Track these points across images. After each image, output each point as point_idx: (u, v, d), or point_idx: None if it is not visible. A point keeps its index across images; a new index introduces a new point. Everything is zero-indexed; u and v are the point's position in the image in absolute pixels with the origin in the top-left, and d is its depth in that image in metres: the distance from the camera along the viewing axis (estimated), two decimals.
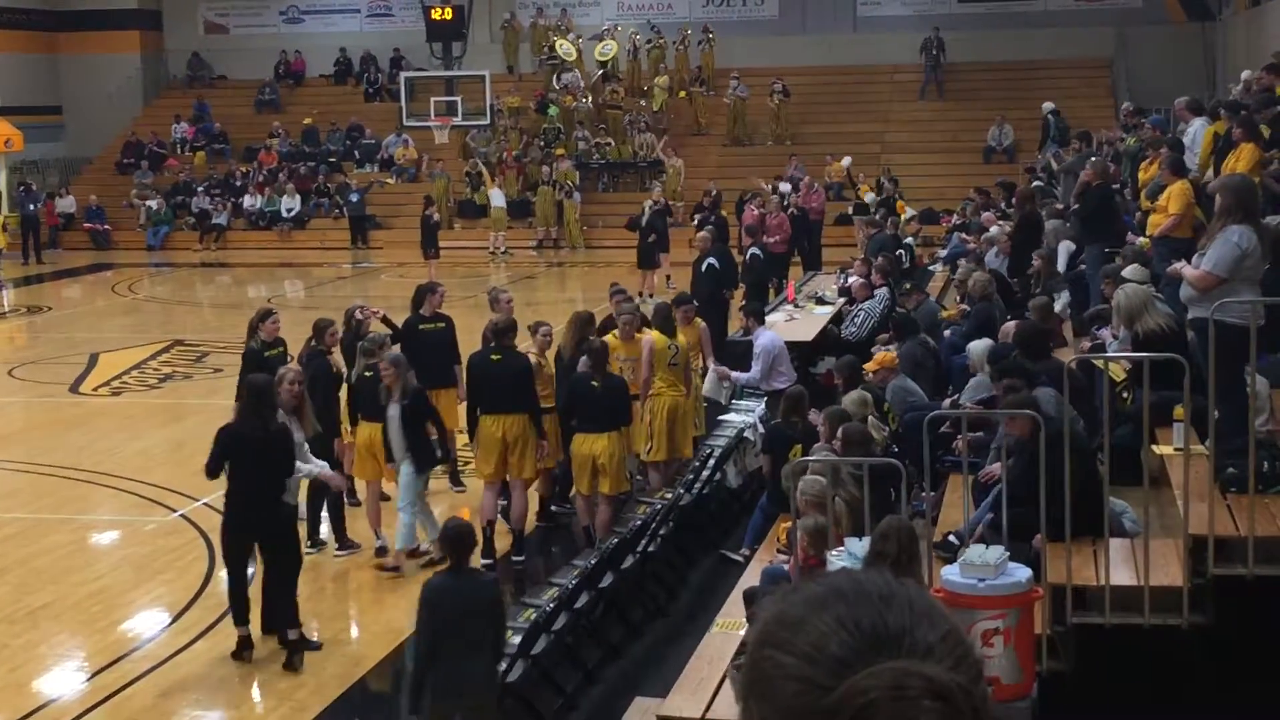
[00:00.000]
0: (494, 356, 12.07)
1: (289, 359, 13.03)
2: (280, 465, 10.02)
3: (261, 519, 9.97)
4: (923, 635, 1.46)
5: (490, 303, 13.82)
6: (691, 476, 12.39)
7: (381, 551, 12.22)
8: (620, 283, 16.68)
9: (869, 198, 29.94)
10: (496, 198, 35.25)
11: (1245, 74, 18.46)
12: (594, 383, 11.86)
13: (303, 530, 11.51)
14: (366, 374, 12.03)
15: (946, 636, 1.48)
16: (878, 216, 26.01)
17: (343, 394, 12.72)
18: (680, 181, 34.48)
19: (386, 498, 12.55)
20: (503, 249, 34.81)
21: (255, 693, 9.90)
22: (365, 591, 11.91)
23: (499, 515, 12.39)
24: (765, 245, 22.93)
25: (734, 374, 14.40)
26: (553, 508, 13.23)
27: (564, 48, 39.67)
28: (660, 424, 12.89)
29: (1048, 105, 31.42)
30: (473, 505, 12.85)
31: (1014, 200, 21.02)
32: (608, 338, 12.87)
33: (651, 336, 12.99)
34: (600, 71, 39.24)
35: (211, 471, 10.08)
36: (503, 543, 12.32)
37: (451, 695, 7.74)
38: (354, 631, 11.12)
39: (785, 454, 10.89)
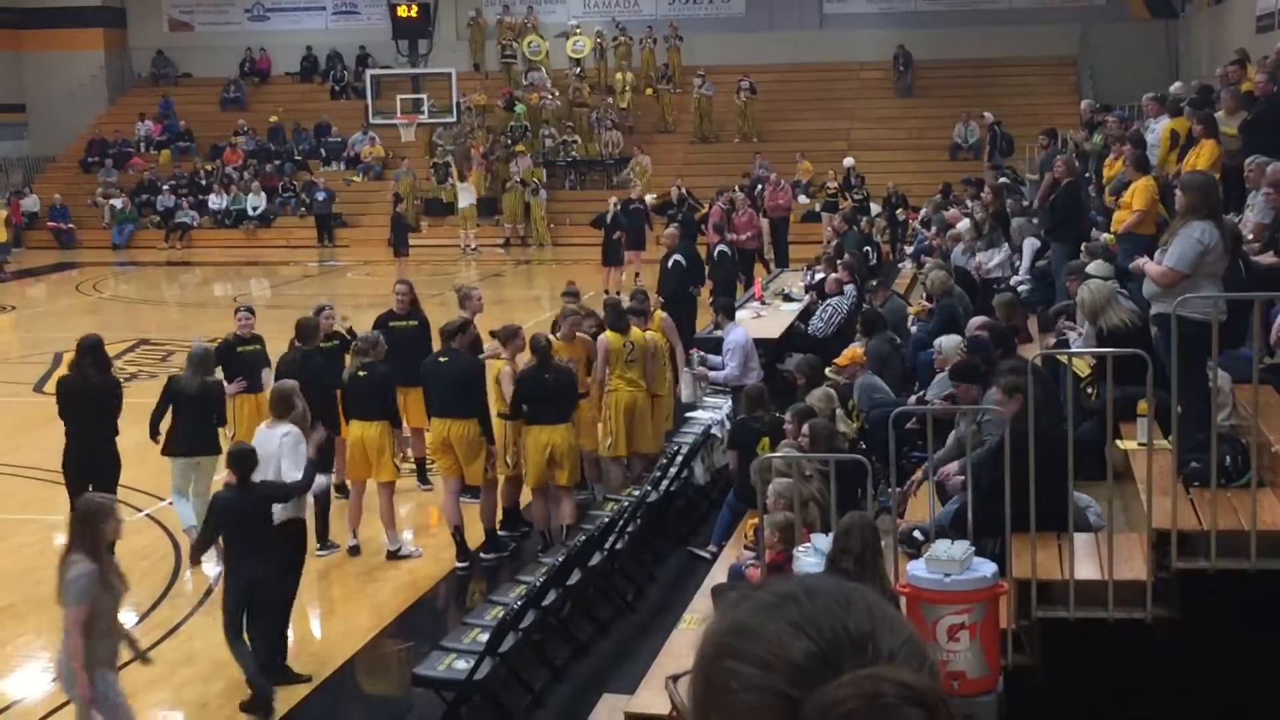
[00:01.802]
0: (441, 359, 12.05)
1: (267, 357, 13.06)
2: (103, 413, 11.63)
3: (92, 459, 11.53)
4: (885, 640, 1.41)
5: (460, 300, 13.80)
6: (659, 474, 12.41)
7: (354, 551, 12.23)
8: (575, 283, 16.39)
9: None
10: (465, 195, 35.18)
11: (1174, 87, 18.45)
12: (546, 375, 11.91)
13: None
14: (360, 374, 12.01)
15: (907, 640, 1.43)
16: (846, 213, 26.09)
17: None
18: (648, 178, 34.50)
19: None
20: (473, 246, 34.76)
21: (221, 692, 9.86)
22: (335, 592, 11.88)
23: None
24: (734, 242, 22.99)
25: (711, 373, 14.38)
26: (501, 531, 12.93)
27: (533, 45, 39.64)
28: (618, 420, 12.96)
29: (988, 116, 32.13)
30: (440, 504, 12.82)
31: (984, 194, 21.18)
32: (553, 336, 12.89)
33: (606, 336, 13.05)
34: (577, 69, 39.18)
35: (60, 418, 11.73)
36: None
37: (242, 584, 9.18)
38: (321, 631, 11.08)
39: (753, 449, 10.91)
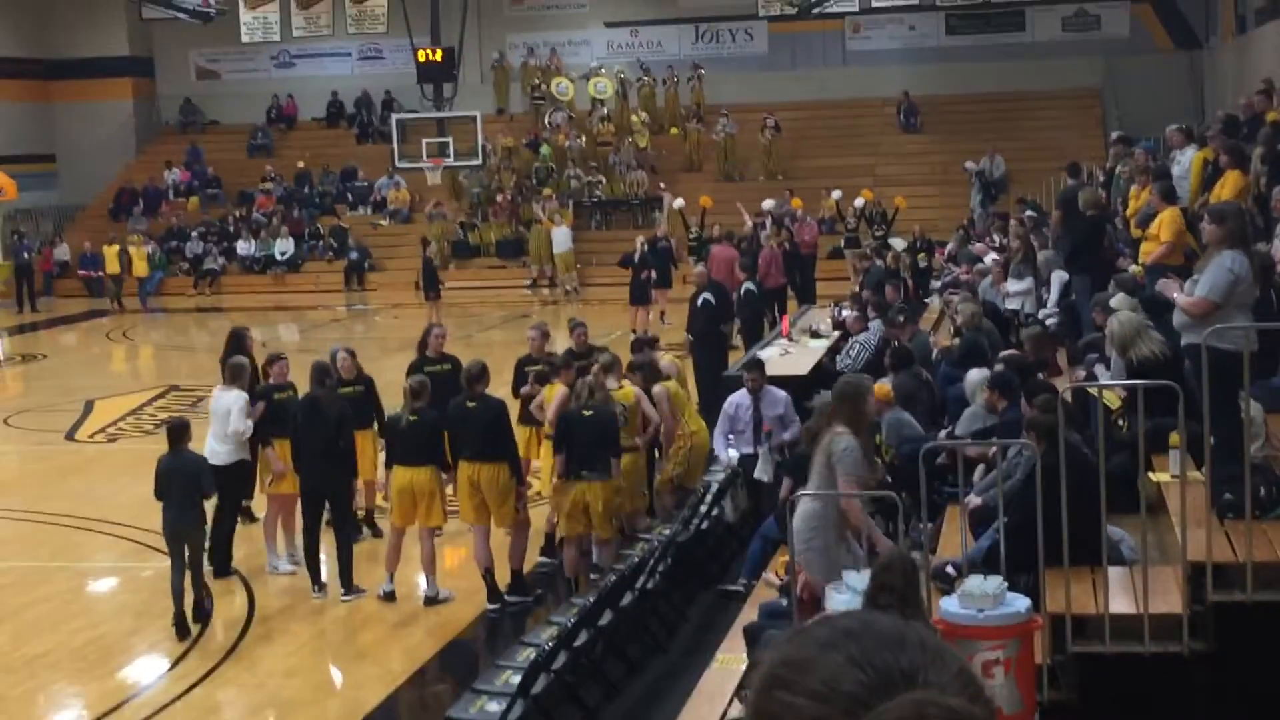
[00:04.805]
0: (469, 404, 12.05)
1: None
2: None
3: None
4: (936, 674, 1.44)
5: (570, 331, 14.37)
6: (689, 512, 12.37)
7: (389, 597, 12.21)
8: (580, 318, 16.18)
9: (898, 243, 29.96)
10: (561, 239, 35.05)
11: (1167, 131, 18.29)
12: (585, 412, 11.90)
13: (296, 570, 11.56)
14: (412, 418, 12.01)
15: (959, 674, 1.46)
16: (870, 248, 26.08)
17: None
18: (678, 220, 34.38)
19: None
20: (570, 287, 34.78)
21: None
22: (367, 636, 11.86)
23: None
24: (759, 280, 22.95)
25: (786, 436, 13.82)
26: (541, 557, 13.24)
27: (560, 86, 39.83)
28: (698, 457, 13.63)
29: (970, 166, 33.27)
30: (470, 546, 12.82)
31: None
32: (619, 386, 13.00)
33: (666, 387, 13.27)
34: (604, 109, 39.30)
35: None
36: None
37: (176, 536, 11.57)
38: (354, 676, 11.06)
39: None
